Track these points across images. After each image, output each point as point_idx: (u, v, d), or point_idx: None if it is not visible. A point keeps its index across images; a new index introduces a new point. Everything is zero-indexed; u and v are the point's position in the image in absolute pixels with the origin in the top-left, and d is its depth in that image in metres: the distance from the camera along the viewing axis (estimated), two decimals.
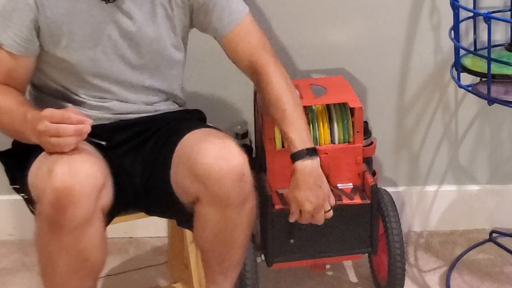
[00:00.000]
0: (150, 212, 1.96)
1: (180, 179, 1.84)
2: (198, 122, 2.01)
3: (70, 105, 1.92)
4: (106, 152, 1.87)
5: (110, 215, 1.86)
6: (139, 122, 1.96)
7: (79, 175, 1.66)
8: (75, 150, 1.71)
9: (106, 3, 1.83)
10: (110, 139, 1.91)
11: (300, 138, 1.88)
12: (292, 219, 1.94)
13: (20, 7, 1.80)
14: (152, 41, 1.91)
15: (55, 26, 1.83)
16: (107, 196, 1.76)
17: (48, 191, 1.65)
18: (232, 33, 1.95)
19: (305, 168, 1.87)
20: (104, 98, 1.93)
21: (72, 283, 1.76)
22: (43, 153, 1.74)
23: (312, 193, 1.88)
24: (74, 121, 1.68)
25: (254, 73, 1.95)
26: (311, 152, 1.87)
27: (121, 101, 1.94)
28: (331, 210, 1.92)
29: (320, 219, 1.92)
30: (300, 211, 1.91)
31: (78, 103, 1.93)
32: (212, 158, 1.75)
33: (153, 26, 1.90)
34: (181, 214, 1.89)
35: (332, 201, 1.93)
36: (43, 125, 1.69)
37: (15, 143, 1.97)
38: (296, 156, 1.87)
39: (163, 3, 1.90)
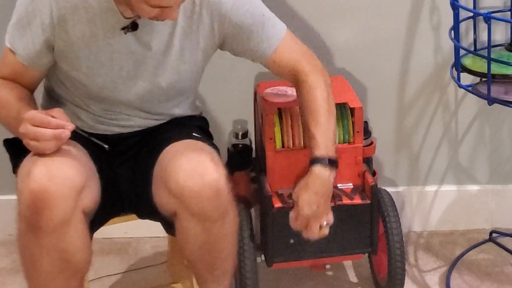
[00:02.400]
0: (140, 216, 1.96)
1: (158, 193, 1.82)
2: (186, 130, 1.93)
3: (79, 110, 1.91)
4: (106, 156, 1.87)
5: (104, 217, 1.86)
6: (142, 132, 1.95)
7: (56, 177, 1.66)
8: (56, 151, 1.70)
9: (125, 33, 1.78)
10: (112, 149, 1.89)
11: (326, 144, 1.85)
12: (291, 222, 1.90)
13: (36, 23, 1.76)
14: (169, 73, 1.86)
15: (70, 49, 1.79)
16: (89, 198, 1.75)
17: (25, 193, 1.66)
18: (271, 56, 1.89)
19: (322, 175, 1.84)
20: (111, 111, 1.91)
21: (57, 283, 1.76)
22: (31, 152, 1.74)
23: (316, 199, 1.84)
24: (53, 126, 1.67)
25: (297, 82, 1.91)
26: (332, 163, 1.85)
27: (129, 115, 1.92)
28: (326, 229, 1.88)
29: (314, 231, 1.88)
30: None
31: (85, 110, 1.90)
32: (186, 174, 1.72)
33: (171, 57, 1.84)
34: (166, 222, 1.87)
35: (331, 219, 1.89)
36: (24, 127, 1.68)
37: None
38: (317, 160, 1.84)
39: (187, 34, 1.83)
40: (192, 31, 1.84)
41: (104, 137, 1.88)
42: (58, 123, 1.68)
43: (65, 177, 1.67)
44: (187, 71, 1.88)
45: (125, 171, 1.92)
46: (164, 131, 1.93)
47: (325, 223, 1.87)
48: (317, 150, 1.84)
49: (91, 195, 1.76)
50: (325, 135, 1.85)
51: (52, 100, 1.94)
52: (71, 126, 1.69)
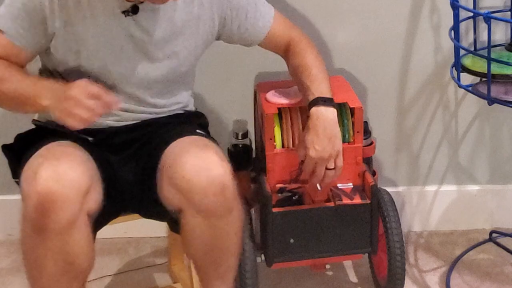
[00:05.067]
0: (144, 216, 1.96)
1: (164, 189, 1.81)
2: (190, 127, 1.95)
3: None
4: (107, 156, 1.87)
5: (105, 218, 1.86)
6: (140, 126, 1.94)
7: (63, 179, 1.66)
8: (62, 154, 1.71)
9: (125, 16, 1.80)
10: (111, 143, 1.90)
11: (318, 88, 1.93)
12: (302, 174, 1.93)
13: (34, 4, 1.76)
14: (168, 58, 1.88)
15: (69, 32, 1.80)
16: (94, 200, 1.76)
17: (32, 195, 1.65)
18: (268, 34, 2.00)
19: (319, 114, 1.89)
20: None
21: (60, 285, 1.76)
22: (36, 154, 1.74)
23: (319, 139, 1.88)
24: (104, 100, 1.70)
25: (290, 52, 2.01)
26: (327, 100, 1.91)
27: (125, 104, 1.91)
28: (334, 171, 1.91)
29: (319, 174, 1.91)
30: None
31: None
32: (192, 170, 1.73)
33: (171, 43, 1.87)
34: (172, 220, 1.88)
35: (340, 162, 1.92)
36: (78, 91, 1.68)
37: (18, 137, 1.96)
38: (311, 103, 1.91)
39: (187, 20, 1.87)
40: (192, 17, 1.88)
41: (100, 132, 1.89)
42: (109, 100, 1.71)
43: (71, 179, 1.67)
44: (186, 56, 1.91)
45: (127, 171, 1.92)
46: (166, 129, 1.93)
47: (332, 165, 1.91)
48: (310, 96, 1.92)
49: (95, 198, 1.76)
50: (317, 82, 1.94)
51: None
52: (119, 104, 1.74)
